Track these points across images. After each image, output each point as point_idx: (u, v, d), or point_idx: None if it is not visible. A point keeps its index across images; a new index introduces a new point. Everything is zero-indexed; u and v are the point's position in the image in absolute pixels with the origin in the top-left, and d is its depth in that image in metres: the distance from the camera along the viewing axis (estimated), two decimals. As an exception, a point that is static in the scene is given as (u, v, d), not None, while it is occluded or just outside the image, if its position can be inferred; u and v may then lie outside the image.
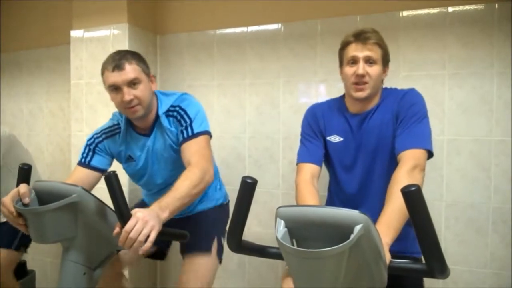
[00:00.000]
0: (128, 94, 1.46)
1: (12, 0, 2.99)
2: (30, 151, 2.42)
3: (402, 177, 1.23)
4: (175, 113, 1.55)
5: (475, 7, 1.89)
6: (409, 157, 1.30)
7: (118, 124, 1.63)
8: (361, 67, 1.40)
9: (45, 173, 2.80)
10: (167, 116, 1.56)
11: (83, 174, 1.56)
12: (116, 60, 1.46)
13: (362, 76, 1.40)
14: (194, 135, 1.49)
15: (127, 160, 1.65)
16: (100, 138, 1.62)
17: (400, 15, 2.01)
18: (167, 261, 2.27)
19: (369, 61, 1.41)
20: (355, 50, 1.42)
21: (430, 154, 1.36)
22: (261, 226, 2.29)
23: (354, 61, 1.43)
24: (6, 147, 2.11)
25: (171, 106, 1.57)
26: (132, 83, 1.47)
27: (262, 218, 2.29)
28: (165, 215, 1.21)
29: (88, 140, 1.62)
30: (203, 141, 1.50)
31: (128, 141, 1.62)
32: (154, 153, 1.61)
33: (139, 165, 1.64)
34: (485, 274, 1.91)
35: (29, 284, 2.41)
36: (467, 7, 1.90)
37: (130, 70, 1.46)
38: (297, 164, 1.56)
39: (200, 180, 1.37)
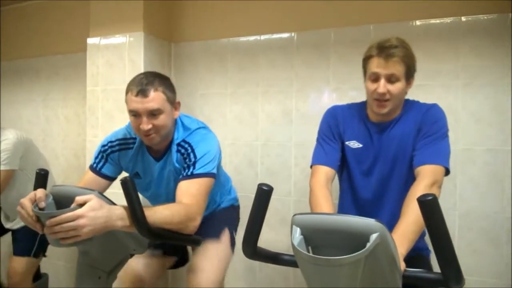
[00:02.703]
0: (147, 123, 1.42)
1: (31, 8, 3.06)
2: (46, 156, 2.46)
3: (420, 192, 1.22)
4: (182, 150, 1.51)
5: (489, 17, 1.89)
6: (428, 173, 1.31)
7: (134, 138, 1.61)
8: (382, 86, 1.37)
9: (60, 177, 2.84)
10: (177, 150, 1.53)
11: (94, 180, 1.59)
12: (143, 85, 1.42)
13: (384, 94, 1.38)
14: (194, 176, 1.42)
15: (133, 176, 1.64)
16: (115, 148, 1.61)
17: (414, 24, 2.01)
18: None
19: (391, 79, 1.37)
20: (377, 67, 1.38)
21: (447, 172, 1.36)
22: (272, 233, 2.29)
23: (376, 77, 1.39)
24: (23, 152, 2.15)
25: (183, 140, 1.53)
26: (153, 113, 1.43)
27: (273, 225, 2.29)
28: (120, 223, 1.17)
29: (103, 146, 1.62)
30: (202, 184, 1.42)
31: (138, 159, 1.62)
32: (160, 177, 1.61)
33: (144, 183, 1.65)
34: (499, 284, 1.88)
35: (42, 287, 2.44)
36: (481, 17, 1.90)
37: (154, 98, 1.42)
38: (312, 165, 1.54)
39: (180, 221, 1.31)
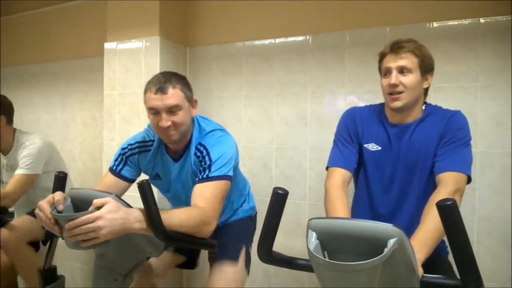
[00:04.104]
0: (166, 120, 1.44)
1: (49, 13, 3.12)
2: (64, 159, 2.51)
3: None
4: (198, 153, 1.52)
5: (508, 18, 1.85)
6: (450, 180, 1.29)
7: (153, 140, 1.63)
8: (394, 77, 1.39)
9: (77, 180, 2.88)
10: (194, 153, 1.54)
11: (113, 182, 1.61)
12: (161, 83, 1.44)
13: (396, 85, 1.39)
14: (209, 179, 1.42)
15: (154, 177, 1.66)
16: (134, 151, 1.63)
17: (431, 26, 1.99)
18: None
19: (402, 70, 1.39)
20: (389, 61, 1.42)
21: (468, 180, 1.34)
22: (286, 237, 2.28)
23: (388, 72, 1.42)
24: (48, 156, 2.19)
25: (199, 143, 1.54)
26: (172, 109, 1.45)
27: (288, 229, 2.29)
28: (138, 225, 1.18)
29: (123, 148, 1.64)
30: (217, 187, 1.42)
31: (157, 160, 1.63)
32: (179, 178, 1.62)
33: (164, 184, 1.67)
34: (520, 292, 1.84)
35: (58, 288, 2.47)
36: (499, 18, 1.87)
37: (173, 95, 1.44)
38: (328, 167, 1.53)
39: (195, 225, 1.31)
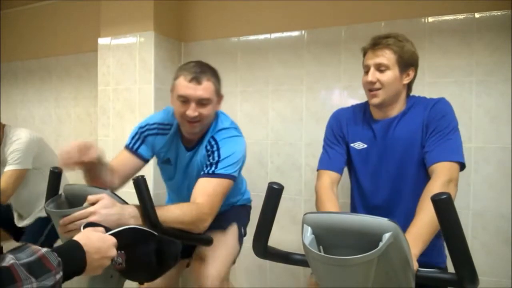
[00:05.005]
0: (194, 110, 1.43)
1: (43, 9, 3.10)
2: (58, 155, 2.49)
3: (436, 190, 1.19)
4: (208, 146, 1.51)
5: (503, 13, 1.85)
6: (443, 170, 1.28)
7: (171, 124, 1.61)
8: (371, 75, 1.41)
9: (72, 176, 2.84)
10: (205, 146, 1.53)
11: (129, 159, 1.58)
12: (197, 72, 1.43)
13: (373, 83, 1.41)
14: (214, 175, 1.42)
15: (164, 162, 1.65)
16: (152, 132, 1.60)
17: (426, 21, 1.99)
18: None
19: (380, 67, 1.40)
20: (367, 59, 1.44)
21: (461, 166, 1.33)
22: (281, 232, 2.28)
23: (367, 69, 1.44)
24: (36, 151, 2.17)
25: (212, 137, 1.52)
26: (203, 101, 1.44)
27: (283, 224, 2.29)
28: (132, 221, 1.18)
29: (141, 127, 1.61)
30: (220, 185, 1.41)
31: (171, 146, 1.62)
32: (188, 168, 1.61)
33: (172, 170, 1.66)
34: (514, 286, 1.86)
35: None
36: (495, 13, 1.87)
37: (206, 87, 1.44)
38: (317, 170, 1.56)
39: (191, 221, 1.31)
